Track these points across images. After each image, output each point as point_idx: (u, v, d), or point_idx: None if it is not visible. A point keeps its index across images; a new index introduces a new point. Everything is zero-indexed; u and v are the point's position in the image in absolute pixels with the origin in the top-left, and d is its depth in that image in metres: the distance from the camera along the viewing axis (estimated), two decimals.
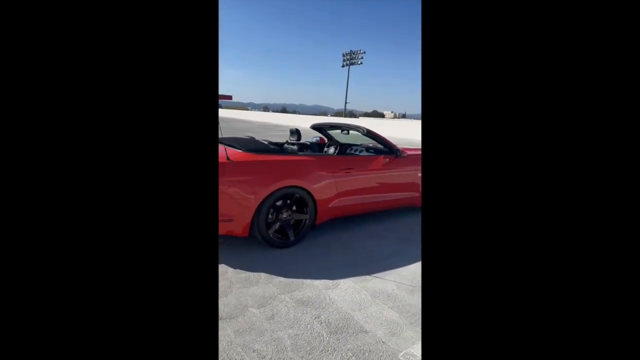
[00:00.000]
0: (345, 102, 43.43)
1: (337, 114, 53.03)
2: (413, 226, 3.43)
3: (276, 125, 26.80)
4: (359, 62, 42.64)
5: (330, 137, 4.37)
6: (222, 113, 38.60)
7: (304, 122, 22.75)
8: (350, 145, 4.14)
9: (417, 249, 2.78)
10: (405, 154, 3.56)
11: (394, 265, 2.47)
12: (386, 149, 3.55)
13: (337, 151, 4.11)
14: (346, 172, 3.04)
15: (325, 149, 4.22)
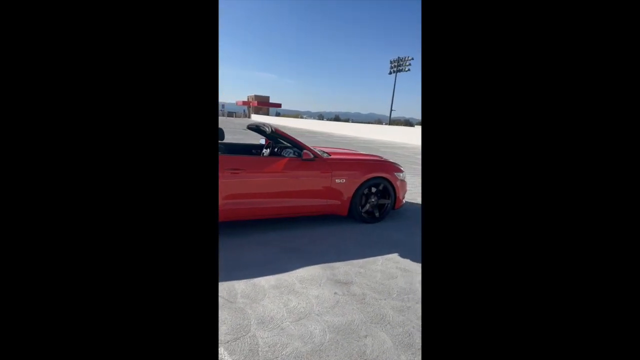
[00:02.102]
0: (391, 110, 43.50)
1: (393, 122, 52.90)
2: (312, 234, 3.23)
3: (331, 134, 26.75)
4: (407, 69, 42.14)
5: (273, 138, 4.05)
6: (274, 120, 38.98)
7: (359, 132, 22.72)
8: (284, 147, 3.88)
9: (297, 259, 2.65)
10: (321, 158, 3.37)
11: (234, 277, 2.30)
12: (298, 151, 3.36)
13: (269, 152, 3.99)
14: (233, 173, 2.90)
15: (263, 151, 4.12)
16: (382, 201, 3.76)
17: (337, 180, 3.42)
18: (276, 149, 4.02)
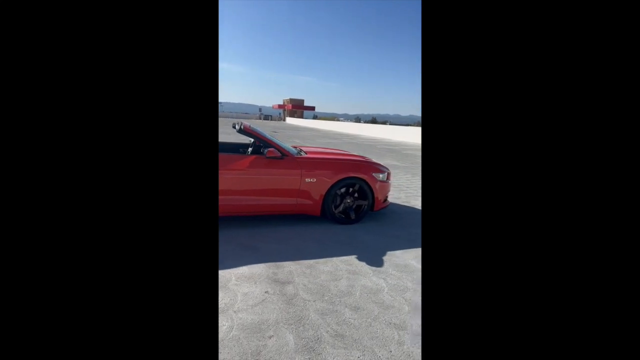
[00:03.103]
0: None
1: None
2: (279, 234, 3.20)
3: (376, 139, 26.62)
4: None
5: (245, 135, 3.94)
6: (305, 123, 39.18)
7: (393, 134, 22.48)
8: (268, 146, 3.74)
9: (249, 257, 2.64)
10: (291, 157, 3.33)
11: None
12: (264, 149, 3.31)
13: (251, 151, 3.96)
14: None
15: (248, 150, 4.11)
16: (359, 202, 3.65)
17: (307, 180, 3.38)
18: (261, 148, 4.04)
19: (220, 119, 44.97)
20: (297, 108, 60.22)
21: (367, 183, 3.60)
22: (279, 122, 53.62)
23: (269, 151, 3.25)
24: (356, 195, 3.66)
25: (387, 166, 4.44)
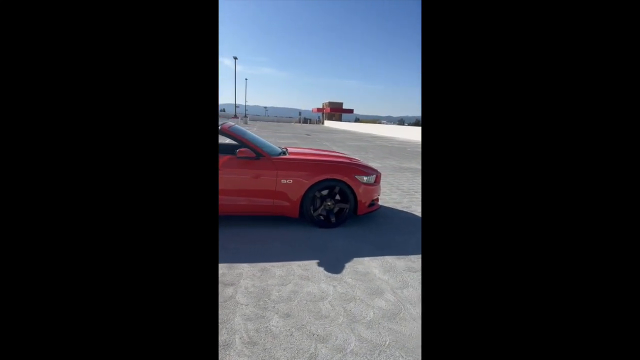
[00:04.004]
0: None
1: None
2: (255, 235, 3.13)
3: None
4: None
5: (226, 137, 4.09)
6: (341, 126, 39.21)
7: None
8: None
9: None
10: (267, 158, 3.28)
11: None
12: (245, 149, 3.26)
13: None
14: None
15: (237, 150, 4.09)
16: (341, 205, 3.51)
17: (283, 181, 3.32)
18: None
19: (262, 122, 46.59)
20: (336, 111, 60.34)
21: (348, 186, 3.45)
22: (317, 125, 54.13)
23: (240, 151, 3.24)
24: (338, 198, 3.52)
25: (377, 169, 4.21)
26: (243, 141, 3.40)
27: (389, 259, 2.81)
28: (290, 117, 76.27)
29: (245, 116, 40.12)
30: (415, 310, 2.04)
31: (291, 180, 3.33)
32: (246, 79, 52.24)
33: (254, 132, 21.70)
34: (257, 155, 3.32)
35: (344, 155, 4.14)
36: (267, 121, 58.61)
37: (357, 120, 63.82)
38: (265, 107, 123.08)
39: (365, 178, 3.55)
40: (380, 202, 4.72)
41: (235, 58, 31.36)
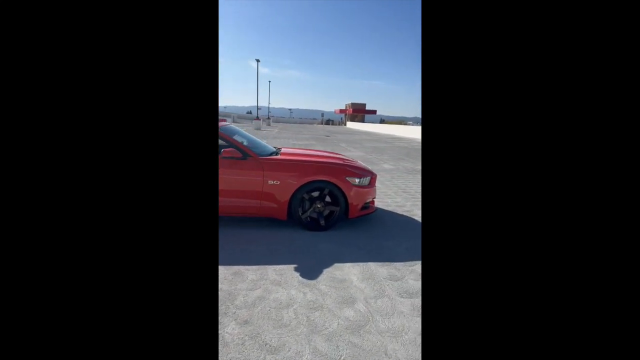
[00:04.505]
0: None
1: None
2: (241, 237, 3.01)
3: None
4: None
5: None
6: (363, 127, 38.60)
7: None
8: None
9: None
10: (254, 158, 3.23)
11: None
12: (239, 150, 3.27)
13: None
14: None
15: None
16: (331, 208, 3.39)
17: (270, 182, 3.25)
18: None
19: (285, 124, 47.09)
20: (358, 112, 59.85)
21: (338, 188, 3.32)
22: (339, 126, 53.93)
23: (225, 151, 3.20)
24: (328, 200, 3.41)
25: (371, 170, 4.05)
26: (231, 141, 3.36)
27: (372, 265, 2.66)
28: (314, 119, 76.64)
29: (268, 118, 40.66)
30: (384, 323, 1.90)
31: (278, 181, 3.25)
32: (269, 81, 53.12)
33: (275, 133, 21.93)
34: (244, 155, 3.26)
35: (338, 157, 4.02)
36: (290, 123, 59.15)
37: (382, 121, 62.98)
38: (290, 109, 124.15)
39: (357, 180, 3.41)
40: (381, 205, 4.55)
41: (258, 60, 31.88)
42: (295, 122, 61.55)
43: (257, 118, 29.42)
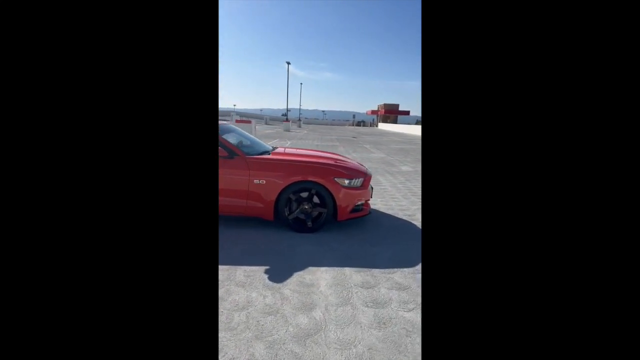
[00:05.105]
0: None
1: None
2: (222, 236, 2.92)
3: None
4: None
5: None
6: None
7: None
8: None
9: None
10: (241, 157, 3.20)
11: None
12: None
13: None
14: None
15: None
16: (320, 210, 3.29)
17: (256, 181, 3.21)
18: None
19: (315, 126, 47.35)
20: (390, 113, 58.65)
21: (325, 188, 3.21)
22: (370, 127, 53.21)
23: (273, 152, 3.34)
24: (317, 201, 3.31)
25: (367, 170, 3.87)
26: (222, 142, 3.37)
27: (348, 271, 2.53)
28: (346, 120, 76.36)
29: (299, 120, 41.12)
30: (335, 334, 1.77)
31: (264, 181, 3.21)
32: (301, 84, 53.76)
33: (303, 134, 22.07)
34: (230, 154, 3.26)
35: (332, 157, 3.89)
36: (321, 124, 59.37)
37: (418, 122, 61.41)
38: (324, 111, 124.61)
39: (347, 181, 3.28)
40: (384, 208, 4.37)
41: (288, 63, 32.36)
42: (326, 124, 61.71)
43: (287, 120, 29.84)
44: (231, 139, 3.64)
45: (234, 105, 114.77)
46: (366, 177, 3.51)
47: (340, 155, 4.43)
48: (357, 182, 3.37)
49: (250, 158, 3.32)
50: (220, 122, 3.82)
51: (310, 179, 3.20)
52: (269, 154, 3.60)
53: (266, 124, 39.94)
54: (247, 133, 4.36)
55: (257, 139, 4.40)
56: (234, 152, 3.29)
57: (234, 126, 4.26)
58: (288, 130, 25.93)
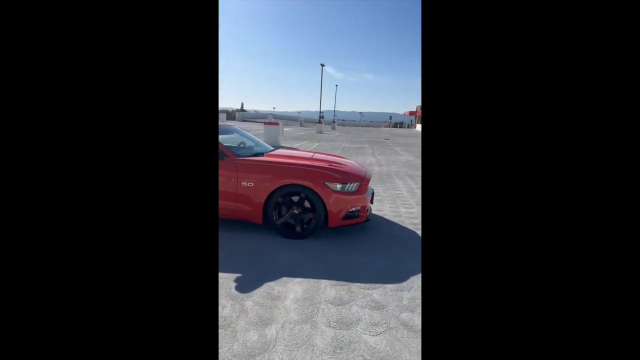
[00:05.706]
0: None
1: None
2: None
3: None
4: None
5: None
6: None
7: None
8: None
9: None
10: (231, 158, 3.11)
11: None
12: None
13: None
14: None
15: None
16: (308, 215, 3.11)
17: (244, 184, 3.11)
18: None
19: (350, 127, 46.96)
20: None
21: (315, 193, 3.03)
22: (407, 129, 51.67)
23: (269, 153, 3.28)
24: (308, 206, 3.13)
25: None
26: None
27: (324, 284, 2.32)
28: (384, 122, 75.13)
29: (333, 122, 41.03)
30: (280, 356, 1.59)
31: (252, 183, 3.10)
32: (336, 85, 53.58)
33: (334, 137, 21.92)
34: (220, 155, 3.18)
35: (330, 160, 3.69)
36: (356, 126, 58.82)
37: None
38: (361, 113, 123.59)
39: (339, 185, 3.07)
40: (391, 215, 4.08)
41: (322, 65, 32.41)
42: (361, 126, 61.03)
43: (319, 122, 29.89)
44: (231, 140, 3.61)
45: (273, 108, 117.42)
46: (362, 181, 3.27)
47: (344, 158, 4.21)
48: (352, 186, 3.15)
49: (239, 159, 3.23)
50: (225, 123, 3.79)
51: (298, 182, 3.04)
52: (263, 156, 3.49)
53: (301, 125, 40.32)
54: (249, 134, 4.31)
55: (260, 140, 4.32)
56: (223, 153, 3.22)
57: (236, 127, 4.22)
58: (320, 132, 25.91)
